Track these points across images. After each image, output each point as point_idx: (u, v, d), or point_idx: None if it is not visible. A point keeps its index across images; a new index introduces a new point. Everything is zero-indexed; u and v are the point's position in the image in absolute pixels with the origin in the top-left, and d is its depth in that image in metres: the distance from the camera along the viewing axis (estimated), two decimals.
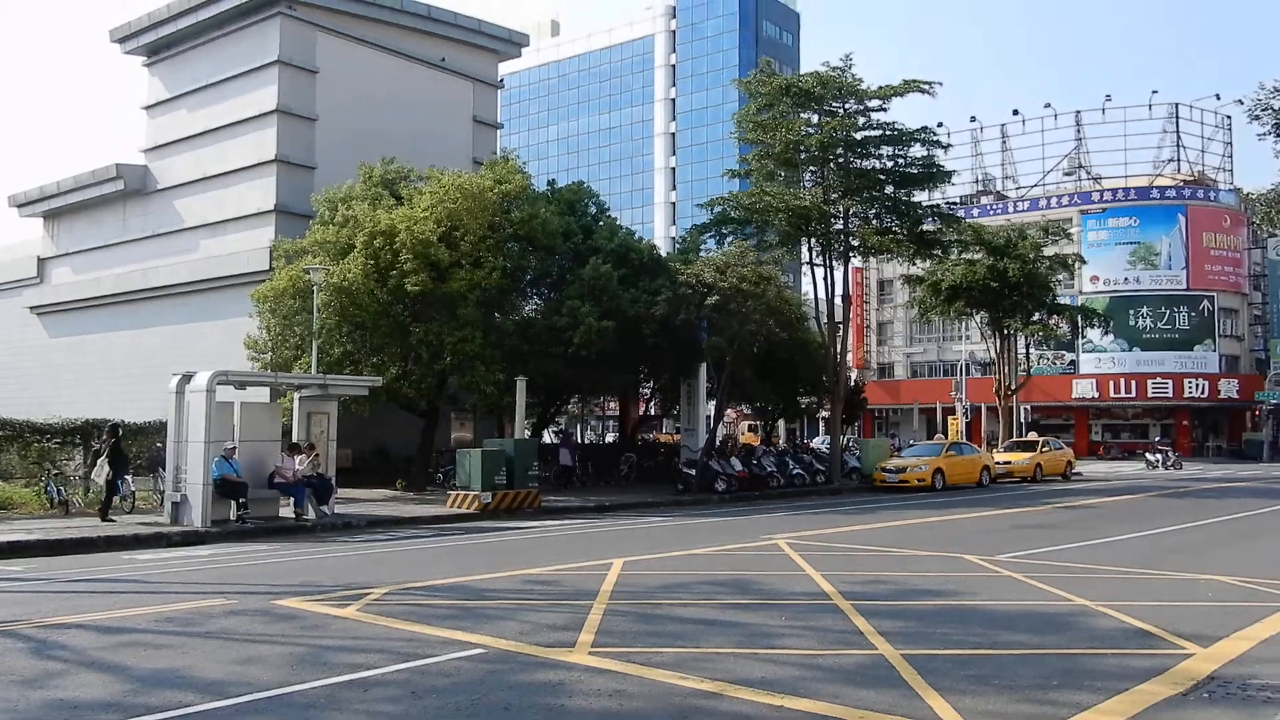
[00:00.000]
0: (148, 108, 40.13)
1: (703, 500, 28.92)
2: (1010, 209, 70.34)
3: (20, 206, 43.97)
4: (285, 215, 34.30)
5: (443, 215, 27.62)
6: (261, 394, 23.83)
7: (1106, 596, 11.14)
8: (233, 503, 20.82)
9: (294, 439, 23.48)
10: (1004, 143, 77.50)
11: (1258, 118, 26.74)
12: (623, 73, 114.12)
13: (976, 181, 78.87)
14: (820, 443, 45.47)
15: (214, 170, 36.77)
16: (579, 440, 55.04)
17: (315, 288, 26.50)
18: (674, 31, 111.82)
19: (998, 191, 77.65)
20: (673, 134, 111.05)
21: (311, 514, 22.14)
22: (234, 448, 21.11)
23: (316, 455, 22.70)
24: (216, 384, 20.72)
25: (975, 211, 69.57)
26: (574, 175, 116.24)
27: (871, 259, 71.32)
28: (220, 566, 14.81)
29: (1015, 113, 76.86)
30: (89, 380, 38.25)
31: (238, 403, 22.14)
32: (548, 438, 46.36)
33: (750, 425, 65.03)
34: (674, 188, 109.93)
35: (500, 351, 28.45)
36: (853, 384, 49.36)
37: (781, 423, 59.66)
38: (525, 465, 25.57)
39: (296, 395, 23.78)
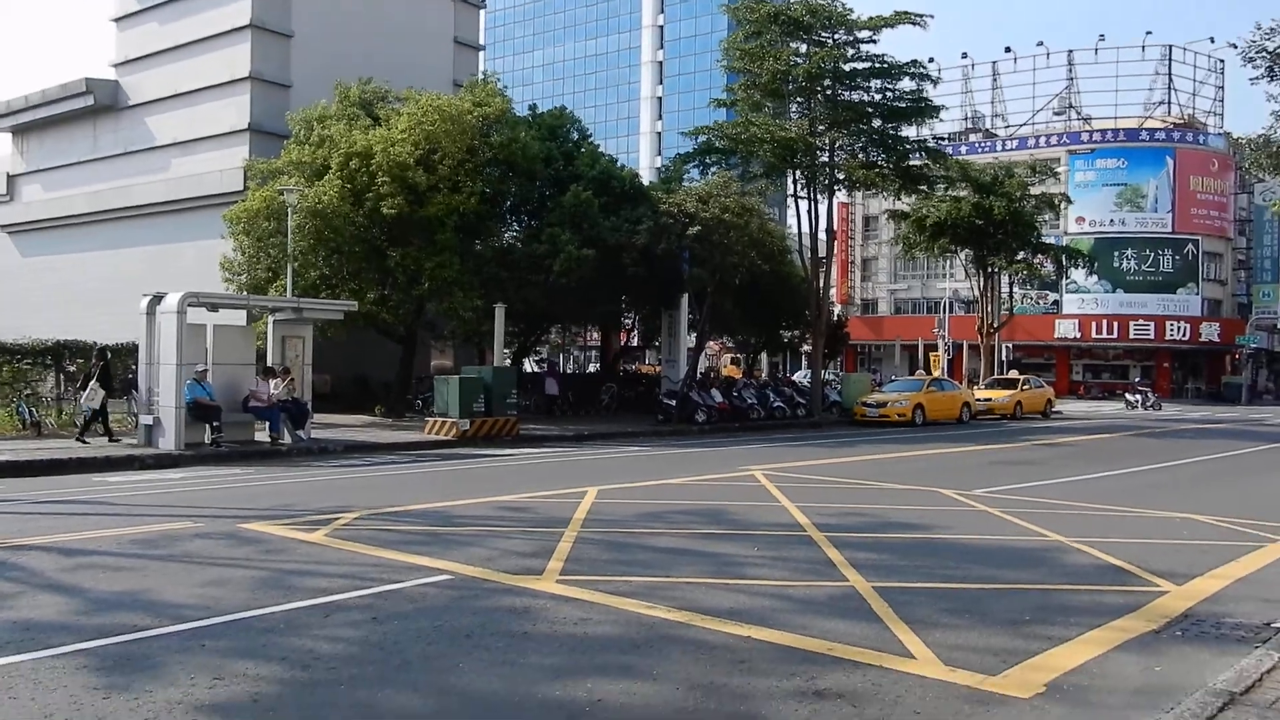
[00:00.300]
0: (117, 20, 38.99)
1: (682, 431, 28.85)
2: (999, 147, 69.71)
3: None
4: (259, 134, 33.54)
5: (420, 138, 27.03)
6: (235, 317, 23.47)
7: (1081, 533, 11.07)
8: (206, 426, 20.60)
9: (269, 363, 23.18)
10: (995, 80, 76.71)
11: (1252, 60, 26.27)
12: None
13: (966, 119, 78.13)
14: (802, 376, 45.36)
15: (186, 87, 35.84)
16: (562, 370, 54.99)
17: (290, 209, 26.00)
18: None
19: (986, 130, 77.00)
20: (660, 62, 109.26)
21: (287, 439, 21.97)
22: (206, 370, 20.84)
23: (291, 379, 22.44)
24: (187, 306, 20.35)
25: (963, 149, 69.00)
26: (559, 103, 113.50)
27: (857, 194, 71.19)
28: (190, 490, 14.62)
29: (1007, 50, 76.17)
30: (62, 302, 37.61)
31: (210, 325, 21.81)
32: (529, 366, 46.29)
33: (733, 358, 64.92)
34: (660, 117, 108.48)
35: (479, 278, 28.09)
36: (835, 319, 49.19)
37: (765, 356, 59.66)
38: (503, 393, 25.39)
39: (271, 319, 23.40)
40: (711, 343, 62.96)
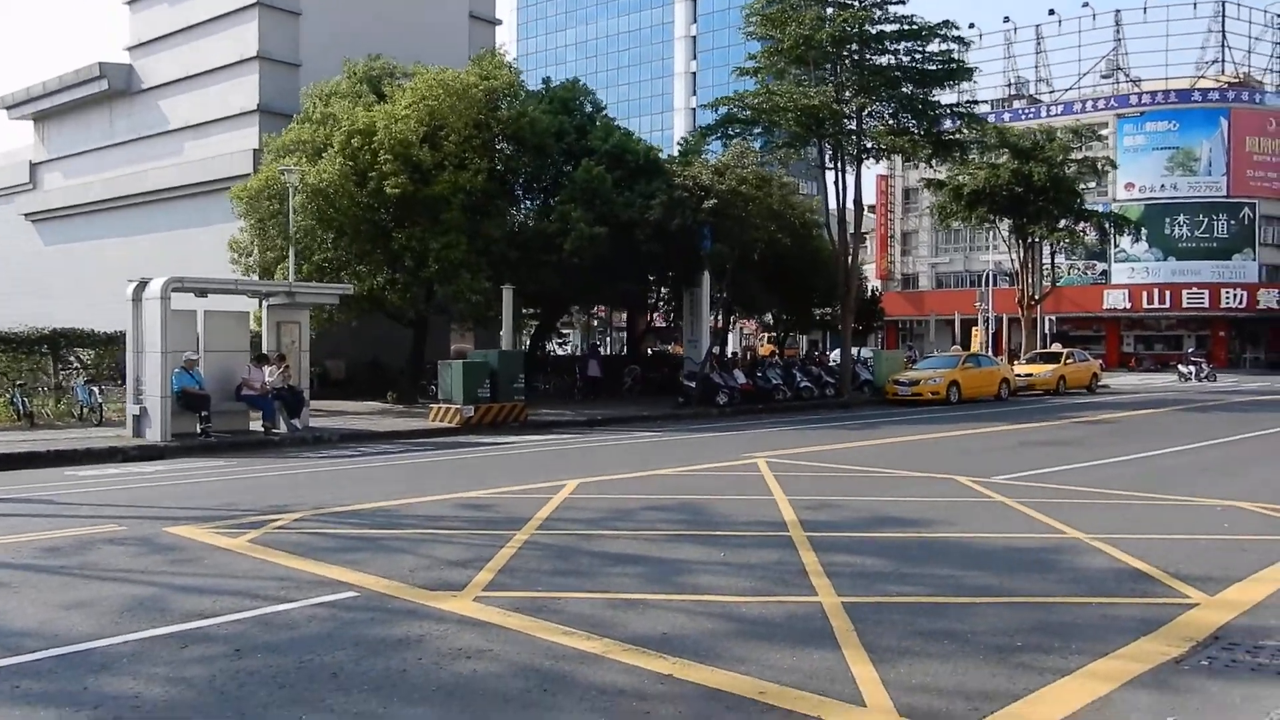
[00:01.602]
0: (130, 3, 38.34)
1: (702, 414, 27.68)
2: (1044, 113, 67.31)
3: (9, 109, 42.55)
4: (269, 115, 32.65)
5: (424, 113, 26.00)
6: (231, 302, 22.64)
7: (1104, 527, 9.77)
8: (196, 416, 19.78)
9: (264, 349, 22.30)
10: (1038, 44, 74.27)
11: None
12: None
13: (1009, 85, 75.86)
14: (835, 355, 43.86)
15: (197, 68, 35.11)
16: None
17: (291, 189, 25.10)
18: None
19: (1030, 95, 74.60)
20: (693, 37, 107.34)
21: (283, 428, 21.11)
22: (196, 358, 20.01)
23: (286, 366, 21.52)
24: (172, 291, 19.49)
25: (1007, 116, 66.85)
26: (592, 81, 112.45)
27: (897, 166, 69.29)
28: (151, 486, 13.72)
29: (1051, 13, 73.74)
30: (82, 289, 37.15)
31: (201, 311, 20.98)
32: (554, 349, 45.40)
33: (769, 337, 63.49)
34: (694, 93, 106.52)
35: (487, 259, 27.03)
36: (869, 294, 47.62)
37: (804, 336, 58.16)
38: (510, 377, 24.36)
39: (265, 304, 22.48)
40: (747, 321, 61.70)
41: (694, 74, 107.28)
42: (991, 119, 50.12)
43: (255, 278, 27.38)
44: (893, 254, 77.46)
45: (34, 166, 42.87)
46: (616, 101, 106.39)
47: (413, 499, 11.84)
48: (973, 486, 12.72)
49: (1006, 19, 74.42)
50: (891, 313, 73.20)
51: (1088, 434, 20.76)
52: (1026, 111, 69.08)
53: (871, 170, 62.22)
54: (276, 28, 33.55)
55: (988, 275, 58.51)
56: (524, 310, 35.61)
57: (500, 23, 41.12)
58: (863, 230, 34.28)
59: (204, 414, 19.70)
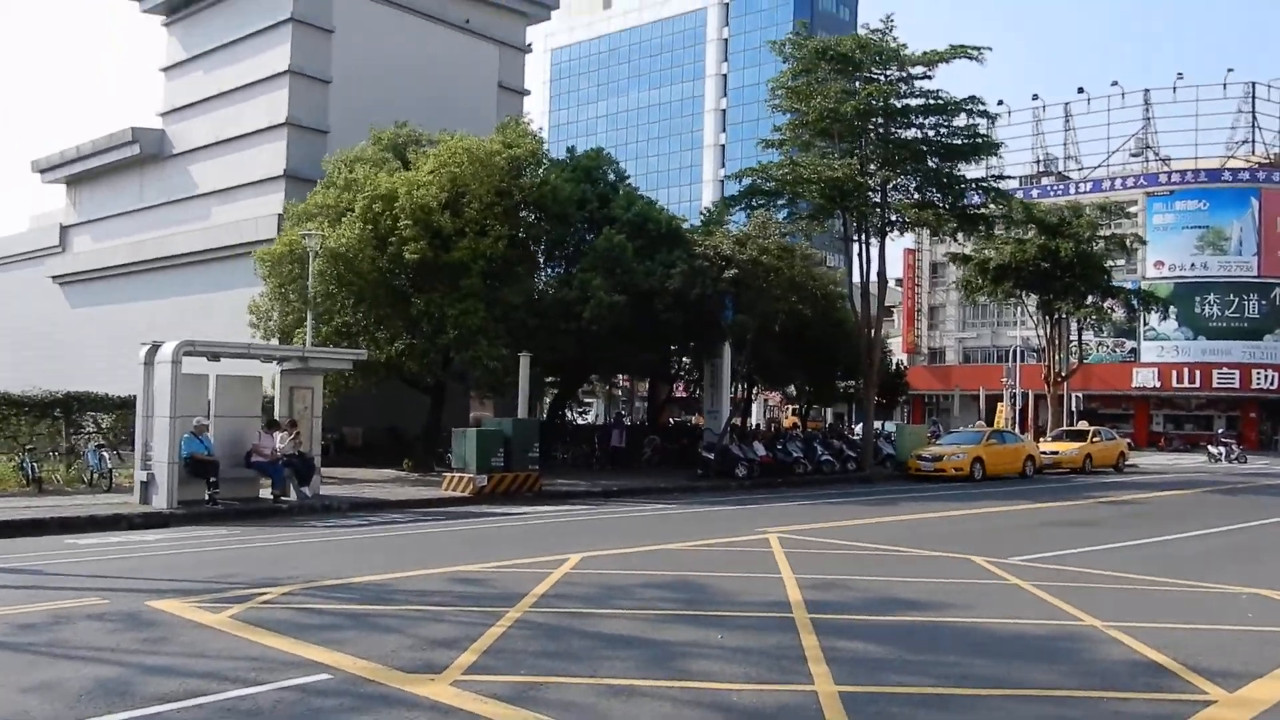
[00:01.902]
0: (165, 69, 39.14)
1: (720, 486, 27.28)
2: (1072, 190, 67.19)
3: (43, 172, 43.34)
4: (295, 181, 33.06)
5: (446, 180, 26.14)
6: (244, 367, 22.56)
7: (1122, 615, 9.34)
8: (205, 483, 19.58)
9: (276, 415, 22.16)
10: (1067, 121, 74.27)
11: None
12: (674, 47, 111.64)
13: (1038, 162, 75.78)
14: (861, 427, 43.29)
15: (227, 134, 35.69)
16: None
17: (311, 253, 25.20)
18: (727, 4, 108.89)
19: (1059, 172, 74.45)
20: (723, 110, 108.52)
21: (292, 495, 20.88)
22: (206, 424, 19.84)
23: (298, 433, 21.35)
24: (184, 355, 19.44)
25: (1035, 192, 66.66)
26: (622, 152, 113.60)
27: (925, 240, 69.20)
28: (142, 556, 13.47)
29: (1080, 90, 73.86)
30: (105, 352, 37.42)
31: (213, 375, 20.89)
32: (580, 418, 45.14)
33: (793, 409, 63.04)
34: (723, 165, 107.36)
35: (506, 326, 26.93)
36: (894, 368, 47.16)
37: (829, 409, 57.61)
38: (525, 446, 24.05)
39: (278, 368, 22.39)
40: (770, 394, 61.31)
41: (723, 146, 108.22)
42: (1020, 195, 50.00)
43: (276, 342, 27.43)
44: (919, 328, 76.99)
45: (64, 229, 43.51)
46: (646, 173, 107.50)
47: (411, 572, 11.53)
48: (988, 568, 12.28)
49: (1035, 96, 74.52)
50: (918, 387, 72.63)
51: (1112, 515, 20.22)
52: (1055, 188, 68.91)
53: (898, 244, 62.28)
54: (306, 95, 34.08)
55: (1015, 351, 58.05)
56: (545, 379, 35.46)
57: (529, 93, 41.63)
58: (888, 304, 33.91)
59: (212, 480, 19.48)
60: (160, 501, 18.93)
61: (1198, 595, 10.76)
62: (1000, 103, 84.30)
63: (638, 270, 27.75)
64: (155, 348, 19.80)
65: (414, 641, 8.03)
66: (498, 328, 26.70)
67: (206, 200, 36.67)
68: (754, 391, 48.60)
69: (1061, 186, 69.62)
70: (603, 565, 12.11)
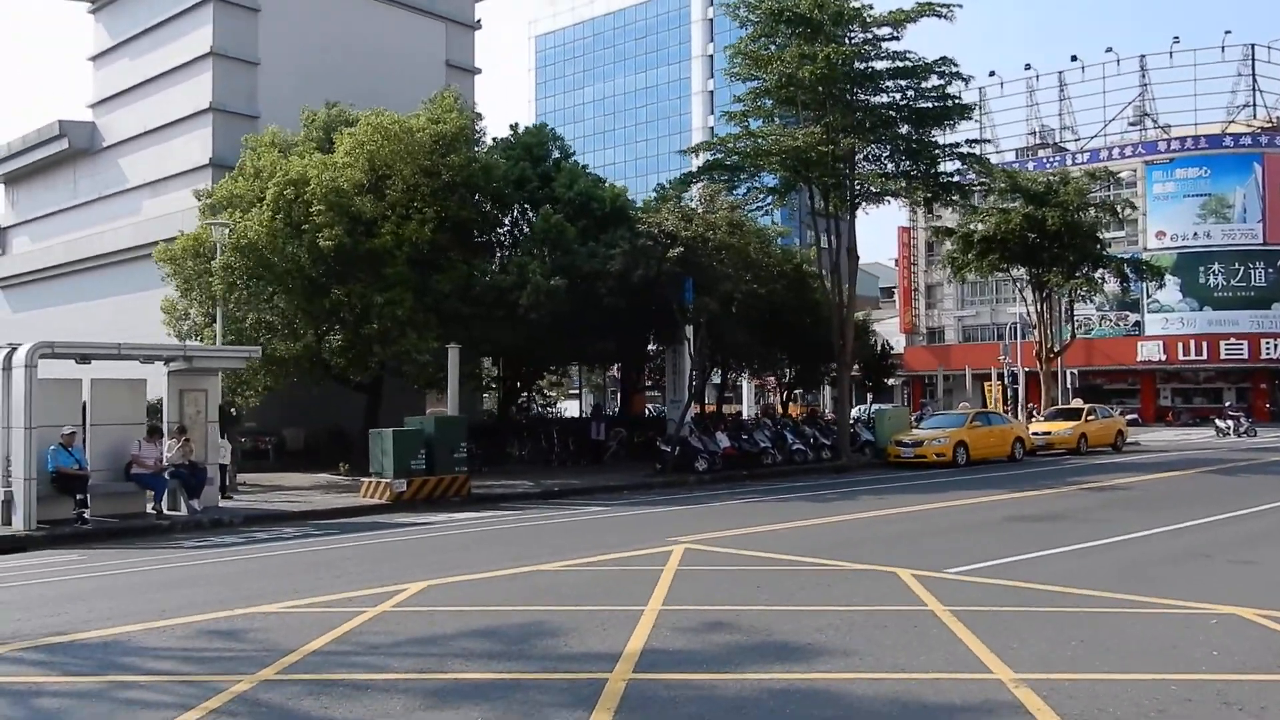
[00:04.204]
0: (93, 59, 37.08)
1: (676, 482, 25.22)
2: (1069, 162, 64.64)
3: None
4: (223, 170, 30.83)
5: (363, 161, 24.04)
6: (130, 369, 20.45)
7: (1046, 659, 7.20)
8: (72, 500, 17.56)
9: (165, 420, 20.13)
10: (1061, 91, 71.82)
11: None
12: (659, 29, 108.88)
13: (1033, 134, 73.38)
14: (859, 412, 40.71)
15: (154, 123, 33.66)
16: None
17: (218, 246, 23.15)
18: None
19: (1056, 144, 71.99)
20: (711, 92, 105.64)
21: (183, 509, 18.90)
22: (73, 433, 17.84)
23: (187, 440, 19.34)
24: (40, 357, 17.45)
25: (1031, 165, 64.20)
26: (611, 137, 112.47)
27: (920, 218, 66.76)
28: None
29: (1074, 59, 71.62)
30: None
31: (88, 379, 18.87)
32: (552, 412, 42.93)
33: (788, 395, 60.79)
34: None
35: (437, 316, 24.88)
36: (880, 349, 44.94)
37: (829, 393, 55.27)
38: (450, 446, 21.99)
39: (166, 369, 20.27)
40: (762, 380, 59.01)
41: (712, 128, 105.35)
42: (1017, 168, 47.61)
43: (199, 341, 25.43)
44: (917, 307, 74.74)
45: (2, 230, 41.52)
46: (635, 158, 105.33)
47: (187, 618, 9.33)
48: (910, 586, 10.12)
49: (1028, 66, 72.49)
50: (917, 368, 70.60)
51: (1091, 504, 18.02)
52: (1052, 160, 66.47)
53: (892, 221, 59.91)
54: (232, 78, 31.98)
55: (1010, 328, 55.70)
56: (492, 371, 33.43)
57: (479, 72, 39.31)
58: (887, 285, 31.77)
59: (80, 497, 17.47)
60: (19, 521, 16.93)
61: (1156, 619, 8.59)
62: (992, 74, 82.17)
63: (580, 252, 25.68)
64: (12, 351, 17.76)
65: None
66: (428, 318, 24.66)
67: (138, 194, 34.65)
68: (730, 378, 46.52)
69: (1059, 158, 67.19)
70: (439, 600, 9.98)
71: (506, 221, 28.14)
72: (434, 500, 21.30)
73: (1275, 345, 58.85)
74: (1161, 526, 14.59)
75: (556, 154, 29.82)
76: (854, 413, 39.79)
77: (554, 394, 45.90)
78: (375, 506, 20.73)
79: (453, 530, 16.66)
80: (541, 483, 24.74)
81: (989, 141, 72.14)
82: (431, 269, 25.25)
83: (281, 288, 24.15)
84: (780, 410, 43.35)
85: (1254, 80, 65.22)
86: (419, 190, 24.93)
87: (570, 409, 53.25)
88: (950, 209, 35.32)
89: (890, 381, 66.99)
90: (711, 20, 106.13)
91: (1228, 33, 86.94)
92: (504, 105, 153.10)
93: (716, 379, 41.88)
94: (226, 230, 22.91)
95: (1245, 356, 59.05)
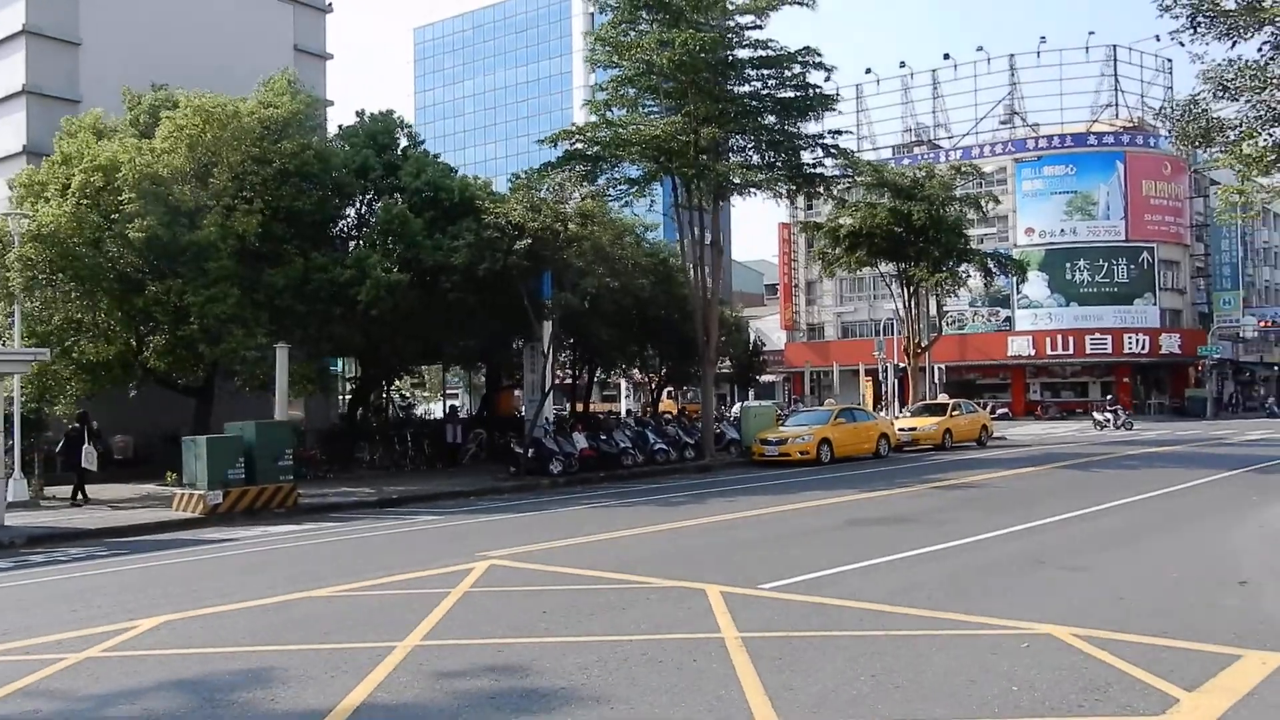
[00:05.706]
0: None
1: (528, 486, 24.08)
2: (943, 158, 65.23)
3: None
4: (40, 157, 28.62)
5: (183, 147, 22.24)
6: None
7: (822, 704, 6.22)
8: None
9: None
10: (935, 89, 72.59)
11: (1168, 9, 21.56)
12: (539, 23, 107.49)
13: (908, 130, 74.01)
14: (737, 409, 39.85)
15: None
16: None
17: (14, 238, 21.13)
18: None
19: (930, 141, 72.76)
20: (591, 86, 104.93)
21: None
22: None
23: None
24: None
25: (906, 161, 64.57)
26: (494, 132, 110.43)
27: (800, 213, 66.63)
28: None
29: (946, 57, 72.49)
30: None
31: None
32: (418, 413, 41.30)
33: (668, 393, 59.96)
34: None
35: (269, 313, 23.21)
36: (751, 345, 44.39)
37: (725, 389, 54.51)
38: (273, 454, 20.38)
39: None
40: (645, 375, 58.07)
41: (593, 123, 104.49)
42: (892, 164, 47.51)
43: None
44: (797, 303, 74.82)
45: None
46: (518, 153, 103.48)
47: None
48: (713, 606, 9.11)
49: (903, 64, 72.41)
50: (797, 363, 70.59)
51: (939, 505, 17.37)
52: (927, 156, 66.94)
53: (773, 218, 59.58)
54: (50, 59, 29.68)
55: (882, 325, 55.90)
56: (336, 371, 31.79)
57: (331, 57, 37.41)
58: (771, 281, 30.96)
59: None
60: None
61: (967, 644, 7.71)
62: (868, 71, 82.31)
63: (425, 245, 24.28)
64: None
65: None
66: (258, 315, 22.97)
67: None
68: (602, 376, 45.50)
69: (933, 155, 67.74)
70: (166, 640, 8.59)
71: (350, 213, 26.53)
72: (254, 512, 19.72)
73: (1137, 340, 60.30)
74: (1003, 529, 13.92)
75: (405, 142, 28.32)
76: (733, 411, 39.29)
77: (412, 395, 44.19)
78: (186, 521, 19.07)
79: (253, 548, 15.17)
80: (383, 490, 23.30)
81: (865, 138, 73.08)
82: (265, 263, 23.56)
83: (89, 284, 22.16)
84: (649, 408, 42.47)
85: (1116, 80, 66.76)
86: (248, 179, 23.24)
87: (440, 411, 51.57)
88: (828, 204, 34.77)
89: (770, 378, 67.07)
90: (593, 14, 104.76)
91: (1091, 33, 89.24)
92: (385, 99, 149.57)
93: (587, 378, 40.76)
94: (19, 219, 20.89)
95: (1109, 351, 60.39)
